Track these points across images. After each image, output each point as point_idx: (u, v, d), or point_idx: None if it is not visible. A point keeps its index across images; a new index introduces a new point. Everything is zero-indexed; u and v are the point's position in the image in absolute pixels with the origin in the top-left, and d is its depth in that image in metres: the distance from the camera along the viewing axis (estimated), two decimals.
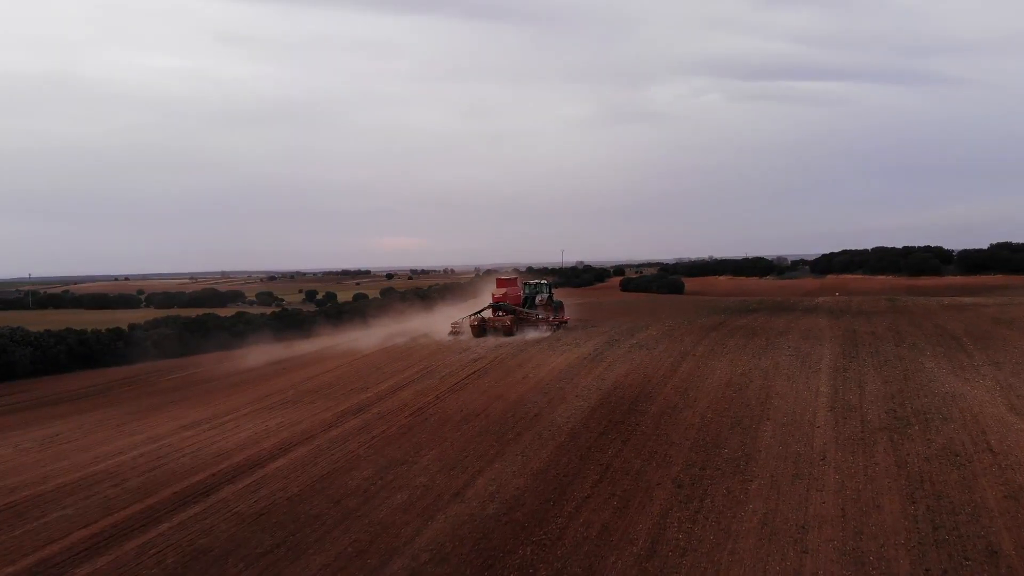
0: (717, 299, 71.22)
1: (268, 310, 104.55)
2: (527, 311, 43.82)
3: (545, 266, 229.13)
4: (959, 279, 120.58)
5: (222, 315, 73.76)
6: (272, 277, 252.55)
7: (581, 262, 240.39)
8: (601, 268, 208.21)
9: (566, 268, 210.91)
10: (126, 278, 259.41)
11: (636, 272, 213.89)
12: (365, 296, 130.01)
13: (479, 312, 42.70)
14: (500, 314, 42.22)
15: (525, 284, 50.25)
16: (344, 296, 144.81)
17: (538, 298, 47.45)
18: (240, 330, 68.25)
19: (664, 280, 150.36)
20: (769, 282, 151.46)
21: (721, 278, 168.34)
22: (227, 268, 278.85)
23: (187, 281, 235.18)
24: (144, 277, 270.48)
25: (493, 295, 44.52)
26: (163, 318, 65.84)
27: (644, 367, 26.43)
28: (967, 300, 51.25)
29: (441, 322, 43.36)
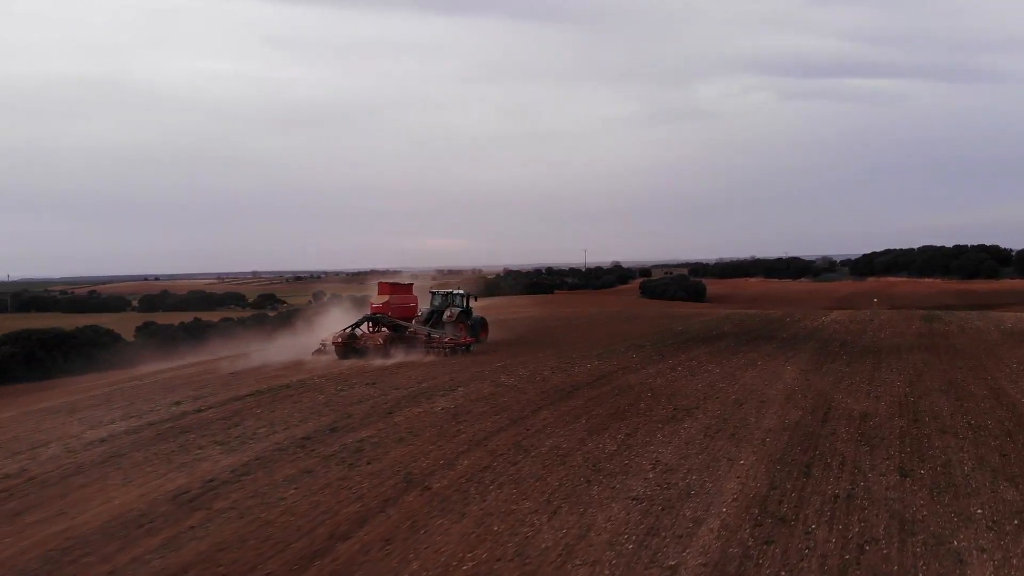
0: (707, 310, 53.99)
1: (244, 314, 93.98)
2: (416, 327, 32.10)
3: (572, 266, 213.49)
4: (1020, 282, 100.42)
5: (103, 327, 59.48)
6: (299, 278, 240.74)
7: (617, 262, 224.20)
8: (627, 269, 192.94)
9: (588, 269, 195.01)
10: (156, 278, 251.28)
11: (666, 272, 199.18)
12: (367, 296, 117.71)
13: (351, 326, 31.26)
14: (379, 328, 31.41)
15: (434, 293, 36.87)
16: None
17: (447, 312, 34.53)
18: (118, 347, 54.10)
19: (683, 284, 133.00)
20: (803, 285, 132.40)
21: (752, 280, 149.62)
22: (259, 268, 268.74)
23: (213, 281, 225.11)
24: (173, 277, 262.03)
25: (371, 304, 33.02)
26: (20, 332, 51.72)
27: (255, 543, 10.44)
28: None
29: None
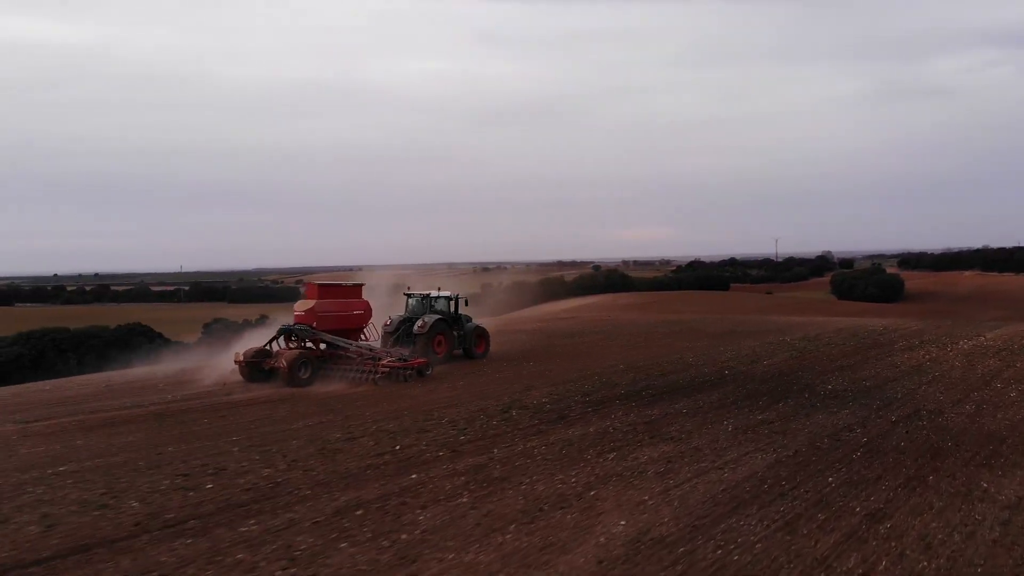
0: (813, 321, 38.39)
1: None
2: (355, 344, 24.93)
3: (764, 256, 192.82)
4: None
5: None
6: (486, 268, 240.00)
7: (827, 252, 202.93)
8: (828, 261, 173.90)
9: (780, 261, 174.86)
10: (360, 269, 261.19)
11: (873, 264, 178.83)
12: None
13: (272, 341, 24.13)
14: (302, 344, 24.58)
15: (409, 296, 28.62)
16: None
17: (418, 322, 26.38)
18: (146, 349, 49.78)
19: (875, 279, 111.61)
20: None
21: (966, 274, 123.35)
22: (454, 260, 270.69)
23: (409, 272, 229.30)
24: (374, 267, 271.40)
25: (295, 312, 25.61)
26: (32, 332, 48.67)
27: None
28: None
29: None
